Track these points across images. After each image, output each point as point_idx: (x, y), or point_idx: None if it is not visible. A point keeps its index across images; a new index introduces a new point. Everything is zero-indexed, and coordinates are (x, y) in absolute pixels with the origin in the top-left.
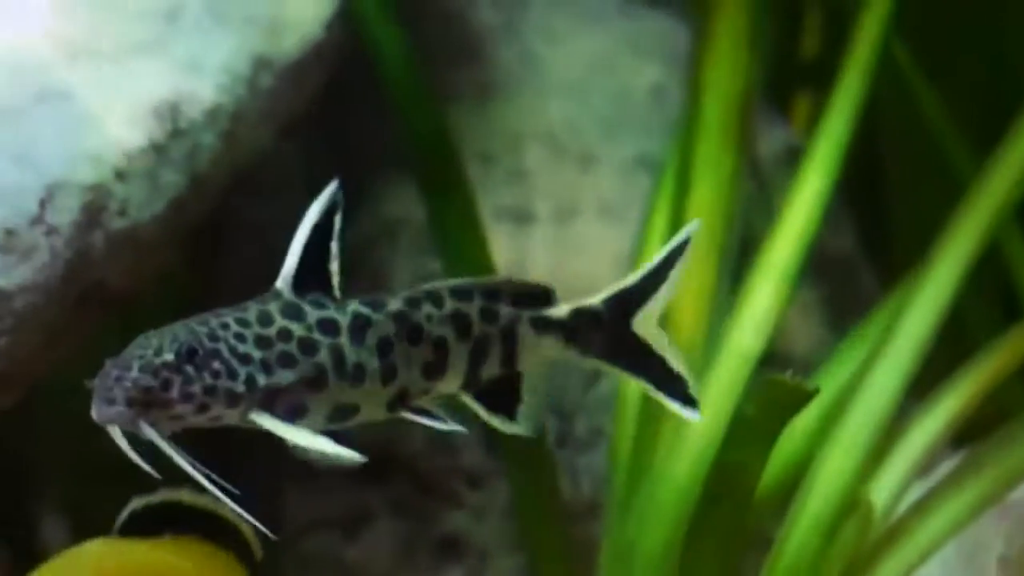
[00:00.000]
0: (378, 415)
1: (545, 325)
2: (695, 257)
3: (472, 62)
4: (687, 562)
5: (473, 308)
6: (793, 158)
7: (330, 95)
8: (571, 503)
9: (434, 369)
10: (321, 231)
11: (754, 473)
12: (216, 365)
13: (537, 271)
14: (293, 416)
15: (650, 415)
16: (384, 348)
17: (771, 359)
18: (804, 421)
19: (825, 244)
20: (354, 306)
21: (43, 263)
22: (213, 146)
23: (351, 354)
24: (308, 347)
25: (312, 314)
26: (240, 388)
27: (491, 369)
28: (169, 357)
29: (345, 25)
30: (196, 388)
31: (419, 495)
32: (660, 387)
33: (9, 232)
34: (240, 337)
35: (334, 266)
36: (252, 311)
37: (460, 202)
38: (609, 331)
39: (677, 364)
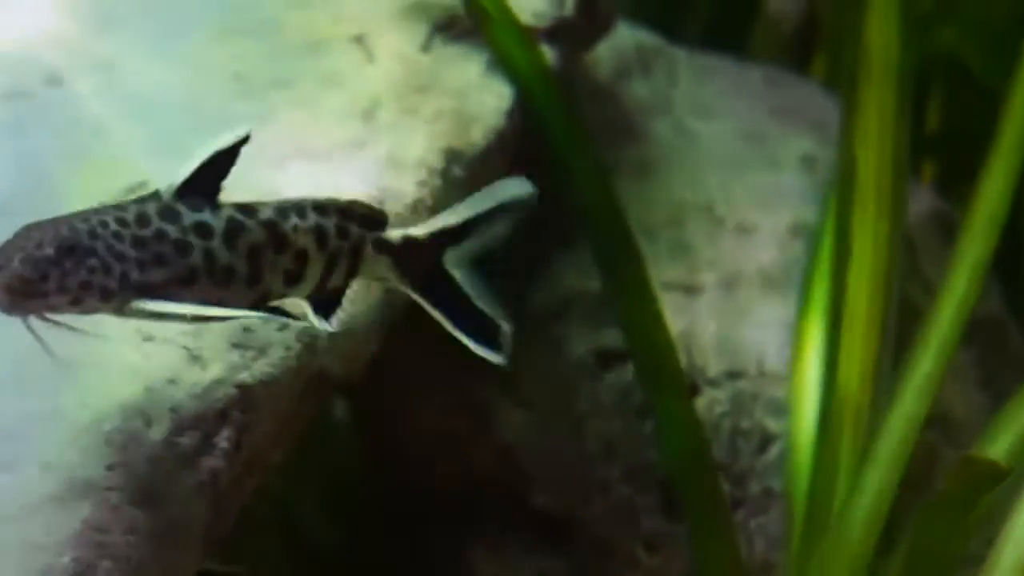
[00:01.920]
0: (237, 309)
1: (382, 246)
2: (860, 323)
3: (628, 138)
4: None
5: (330, 223)
6: (938, 220)
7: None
8: (746, 563)
9: (294, 277)
10: (224, 155)
11: (951, 550)
12: (92, 261)
13: (706, 340)
14: (159, 315)
15: (823, 478)
16: (253, 254)
17: (931, 421)
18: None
19: (975, 307)
20: (229, 212)
21: (278, 357)
22: None
23: (222, 257)
24: (182, 248)
25: (188, 217)
26: (113, 284)
27: (336, 280)
28: (49, 252)
29: (523, 112)
30: (72, 282)
31: (599, 559)
32: (460, 325)
33: (247, 329)
34: (118, 236)
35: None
36: (131, 211)
37: (635, 275)
38: (426, 262)
39: (484, 304)
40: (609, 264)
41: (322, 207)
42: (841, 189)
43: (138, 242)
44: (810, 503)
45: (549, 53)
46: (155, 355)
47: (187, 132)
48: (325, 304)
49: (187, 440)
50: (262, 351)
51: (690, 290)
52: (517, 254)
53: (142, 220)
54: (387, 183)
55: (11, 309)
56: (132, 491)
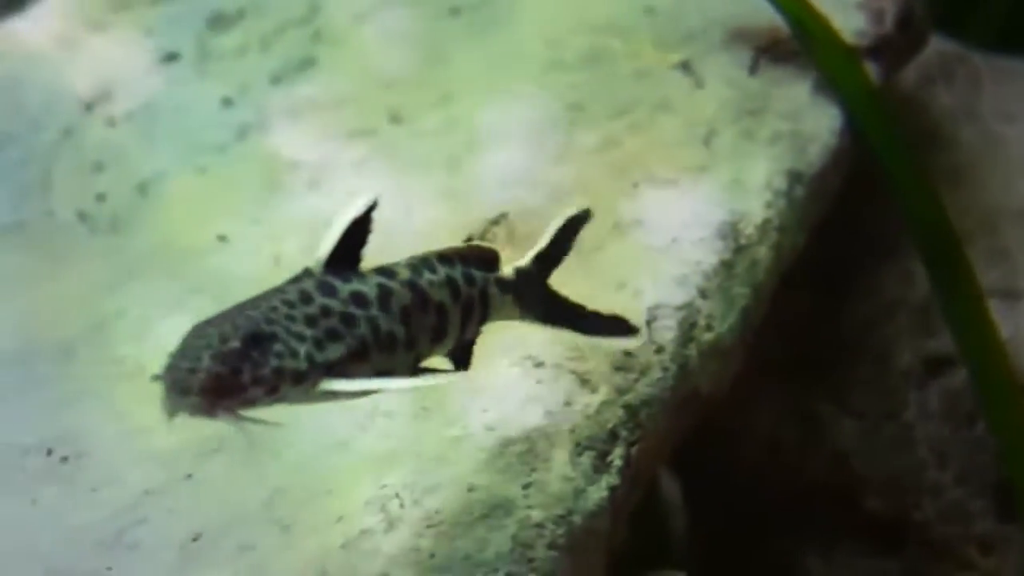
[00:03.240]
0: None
1: (505, 285)
2: None
3: (937, 146)
4: None
5: (458, 272)
6: None
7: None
8: None
9: (438, 333)
10: (359, 223)
11: None
12: (278, 347)
13: None
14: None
15: None
16: (405, 316)
17: None
18: None
19: None
20: (375, 278)
21: (656, 378)
22: (766, 258)
23: (383, 324)
24: (349, 321)
25: (344, 289)
26: (303, 366)
27: (472, 330)
28: (236, 344)
29: (852, 130)
30: (265, 371)
31: (932, 562)
32: (593, 331)
33: (628, 354)
34: (290, 317)
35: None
36: (292, 292)
37: (964, 280)
38: (538, 290)
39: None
40: (938, 270)
41: (446, 257)
42: None
43: (310, 320)
44: None
45: (871, 70)
46: (548, 380)
47: (534, 162)
48: (461, 358)
49: (587, 459)
50: (643, 373)
51: (1010, 295)
52: (840, 266)
53: (305, 298)
54: (737, 206)
55: (210, 410)
56: (547, 508)
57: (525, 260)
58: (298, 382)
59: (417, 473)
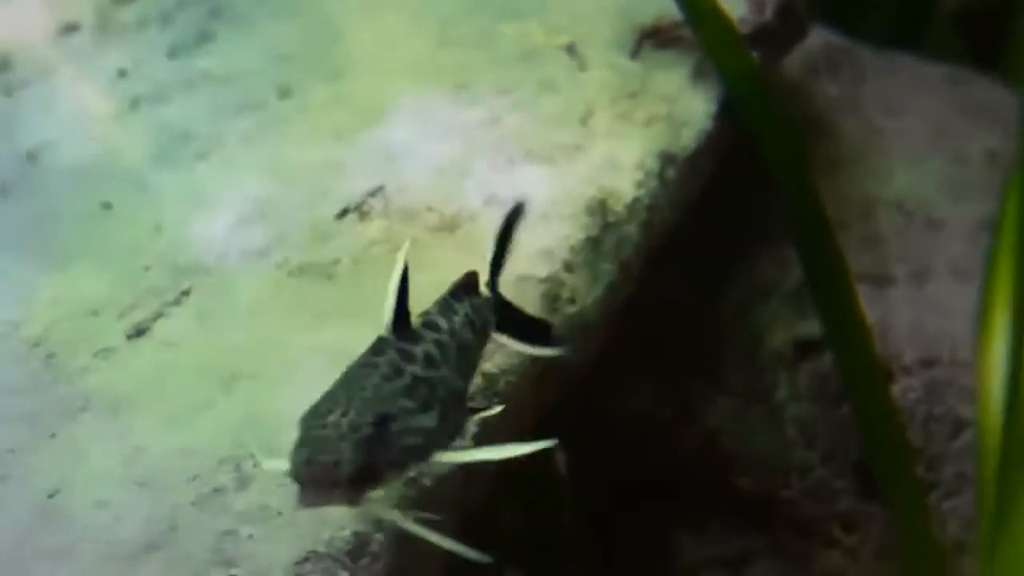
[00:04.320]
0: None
1: (493, 305)
2: None
3: (819, 135)
4: None
5: (467, 306)
6: None
7: (716, 179)
8: (940, 543)
9: (471, 370)
10: (405, 281)
11: None
12: (397, 426)
13: (900, 330)
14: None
15: (1012, 461)
16: (458, 367)
17: None
18: None
19: None
20: (429, 335)
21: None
22: (635, 235)
23: (452, 381)
24: (432, 386)
25: (417, 352)
26: (421, 440)
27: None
28: (369, 432)
29: (729, 115)
30: (396, 454)
31: (798, 538)
32: (528, 339)
33: None
34: (395, 393)
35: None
36: (384, 366)
37: (834, 267)
38: (498, 300)
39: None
40: (809, 256)
41: (453, 292)
42: (1023, 178)
43: (408, 393)
44: (999, 486)
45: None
46: None
47: (417, 138)
48: None
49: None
50: (502, 345)
51: (882, 281)
52: (717, 249)
53: (397, 371)
54: (607, 184)
55: (356, 499)
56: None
57: (485, 273)
58: (421, 457)
59: (274, 434)
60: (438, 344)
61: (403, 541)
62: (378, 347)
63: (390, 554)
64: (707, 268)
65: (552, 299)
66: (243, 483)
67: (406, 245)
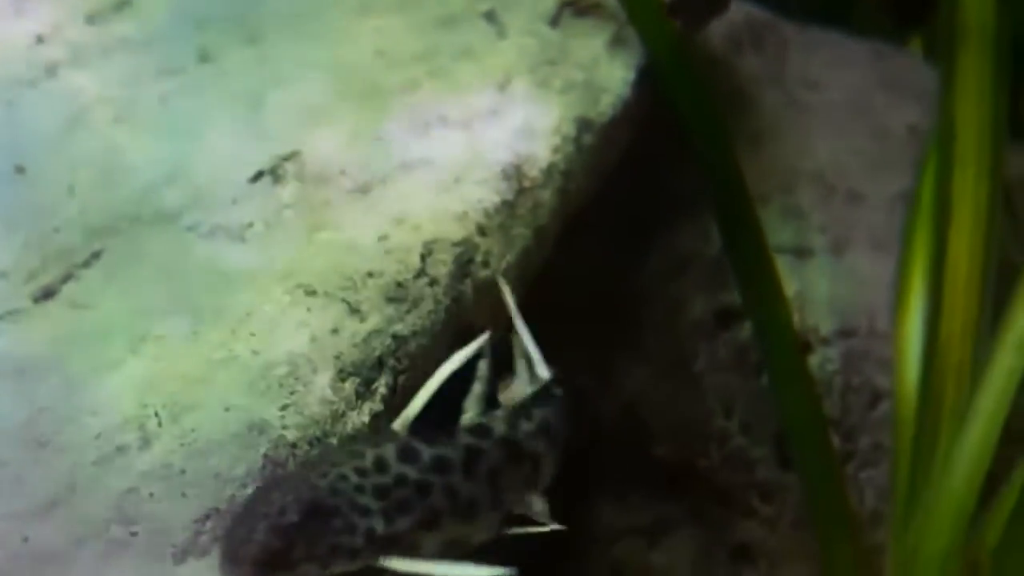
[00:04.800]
0: (486, 538)
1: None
2: (960, 281)
3: (741, 108)
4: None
5: (552, 413)
6: None
7: (636, 148)
8: (856, 515)
9: (531, 482)
10: (460, 377)
11: None
12: (337, 522)
13: (818, 301)
14: (406, 555)
15: (927, 432)
16: (493, 477)
17: None
18: None
19: None
20: (465, 439)
21: (428, 310)
22: (550, 201)
23: (464, 490)
24: (423, 489)
25: (426, 453)
26: (359, 542)
27: (555, 470)
28: (293, 517)
29: (648, 82)
30: (320, 550)
31: (716, 507)
32: None
33: (400, 285)
34: (359, 488)
35: (470, 403)
36: (369, 457)
37: (752, 238)
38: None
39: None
40: (729, 227)
41: (538, 397)
42: (940, 151)
43: (380, 492)
44: (915, 456)
45: None
46: (317, 308)
47: (334, 103)
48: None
49: (350, 385)
50: (415, 304)
51: (802, 253)
52: (638, 219)
53: (381, 466)
54: (523, 150)
55: None
56: (303, 429)
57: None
58: (353, 558)
59: (179, 393)
60: (469, 450)
61: None
62: (379, 438)
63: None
64: (626, 237)
65: (465, 263)
66: (146, 442)
67: (480, 339)
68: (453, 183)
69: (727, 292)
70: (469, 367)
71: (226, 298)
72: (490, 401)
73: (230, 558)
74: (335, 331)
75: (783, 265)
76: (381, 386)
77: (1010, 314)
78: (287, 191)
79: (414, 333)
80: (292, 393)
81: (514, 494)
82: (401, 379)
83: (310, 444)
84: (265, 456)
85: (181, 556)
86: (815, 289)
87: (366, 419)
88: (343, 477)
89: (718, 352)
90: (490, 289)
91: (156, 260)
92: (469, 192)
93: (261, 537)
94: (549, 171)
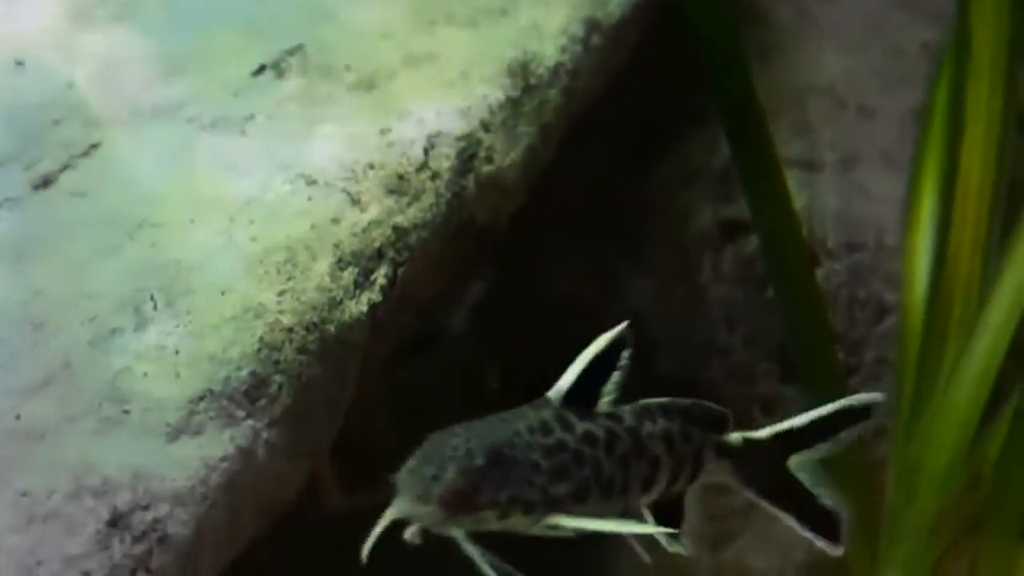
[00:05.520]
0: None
1: (725, 451)
2: (972, 195)
3: (753, 22)
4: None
5: (676, 427)
6: None
7: (645, 55)
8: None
9: (648, 484)
10: (604, 361)
11: None
12: (517, 473)
13: (827, 214)
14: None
15: (933, 346)
16: (624, 464)
17: None
18: None
19: None
20: (604, 420)
21: (430, 203)
22: (556, 100)
23: (607, 468)
24: (579, 460)
25: (579, 426)
26: (536, 496)
27: (678, 486)
28: (481, 462)
29: None
30: (503, 495)
31: None
32: (809, 525)
33: (401, 177)
34: (530, 446)
35: (609, 388)
36: (533, 419)
37: (764, 150)
38: (770, 465)
39: (827, 499)
40: (738, 139)
41: (667, 409)
42: (955, 65)
43: (547, 452)
44: (919, 370)
45: None
46: (318, 197)
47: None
48: (668, 515)
49: (349, 274)
50: (417, 197)
51: (811, 167)
52: (645, 128)
53: (545, 429)
54: (530, 48)
55: (443, 522)
56: (300, 315)
57: (763, 432)
58: (528, 512)
59: (175, 278)
60: (608, 431)
61: (304, 384)
62: (538, 403)
63: (288, 396)
64: (633, 147)
65: (468, 158)
66: (142, 325)
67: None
68: (459, 79)
69: (734, 204)
70: (614, 353)
71: (225, 188)
72: (626, 391)
73: (415, 494)
74: (335, 220)
75: (792, 179)
76: (380, 277)
77: (1020, 229)
78: (290, 85)
79: (415, 226)
80: (290, 279)
81: (635, 489)
82: (400, 271)
83: (307, 330)
84: (261, 339)
85: (174, 434)
86: (823, 203)
87: (364, 308)
88: (517, 432)
89: (723, 264)
90: (493, 185)
91: (156, 151)
92: (474, 88)
93: (451, 476)
94: (555, 70)
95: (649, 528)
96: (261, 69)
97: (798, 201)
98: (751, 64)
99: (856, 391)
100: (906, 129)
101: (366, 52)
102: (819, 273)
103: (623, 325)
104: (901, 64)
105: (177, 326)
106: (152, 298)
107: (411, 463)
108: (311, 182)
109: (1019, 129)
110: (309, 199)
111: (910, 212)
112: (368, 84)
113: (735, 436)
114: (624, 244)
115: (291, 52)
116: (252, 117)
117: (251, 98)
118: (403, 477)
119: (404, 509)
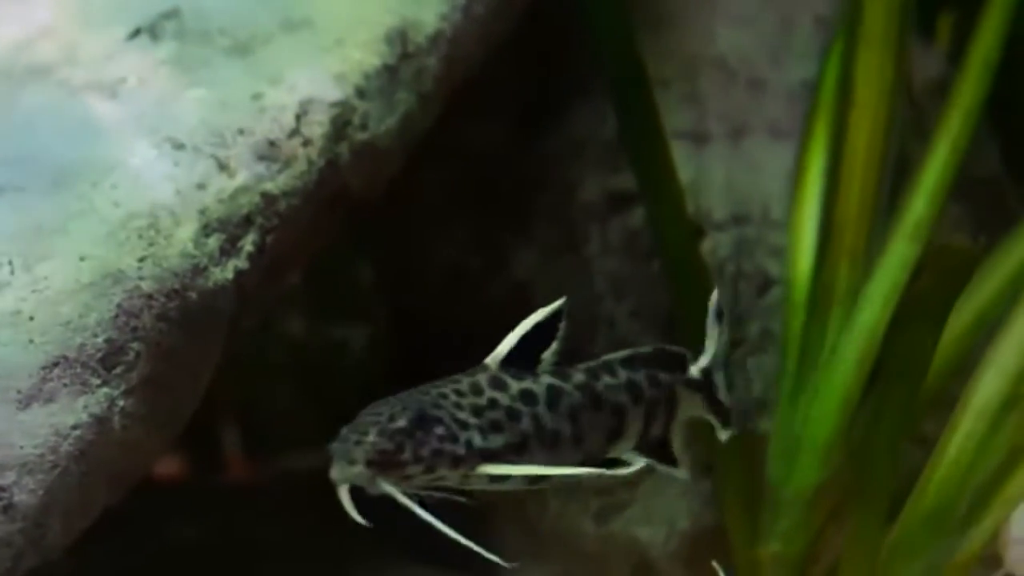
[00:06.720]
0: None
1: (694, 385)
2: (858, 166)
3: None
4: (865, 438)
5: (640, 376)
6: (946, 87)
7: (532, 24)
8: (744, 402)
9: (614, 433)
10: (541, 329)
11: (929, 346)
12: (440, 430)
13: (713, 187)
14: (498, 480)
15: (817, 318)
16: (574, 416)
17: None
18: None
19: (972, 166)
20: (547, 379)
21: (301, 170)
22: (435, 67)
23: (548, 421)
24: (513, 415)
25: (514, 386)
26: (461, 451)
27: (656, 430)
28: (402, 423)
29: None
30: (425, 451)
31: None
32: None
33: (273, 144)
34: (458, 406)
35: (547, 356)
36: (464, 382)
37: (650, 122)
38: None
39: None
40: (625, 110)
41: (628, 360)
42: (846, 37)
43: (476, 410)
44: (803, 343)
45: None
46: (185, 163)
47: None
48: (660, 454)
49: (214, 240)
50: (287, 164)
51: (699, 139)
52: (531, 99)
53: (476, 390)
54: (409, 14)
55: (372, 481)
56: (161, 281)
57: (705, 359)
58: (455, 465)
59: (34, 243)
60: (551, 388)
61: (163, 352)
62: (475, 370)
63: (147, 365)
64: (520, 117)
65: (341, 125)
66: None
67: (559, 305)
68: (334, 45)
69: (621, 176)
70: (553, 324)
71: (91, 151)
72: (564, 358)
73: (344, 459)
74: (201, 186)
75: (679, 150)
76: (248, 244)
77: (905, 202)
78: (164, 49)
79: (284, 193)
80: (151, 245)
81: (596, 437)
82: (269, 238)
83: (167, 297)
84: (119, 306)
85: (25, 402)
86: (711, 175)
87: (230, 276)
88: (443, 395)
89: (609, 236)
90: (368, 152)
91: (24, 114)
92: (350, 54)
93: (373, 439)
94: (435, 38)
95: (584, 471)
96: (136, 32)
97: (685, 173)
98: (641, 34)
99: (742, 364)
100: (795, 102)
101: (243, 17)
102: (705, 245)
103: (560, 301)
104: (793, 37)
105: (34, 291)
106: (10, 263)
107: (342, 431)
108: (179, 146)
109: (909, 103)
110: (175, 164)
111: (798, 183)
112: (243, 49)
113: (694, 369)
114: (511, 215)
115: (167, 16)
116: (124, 80)
117: (124, 61)
118: (335, 445)
119: (337, 473)
